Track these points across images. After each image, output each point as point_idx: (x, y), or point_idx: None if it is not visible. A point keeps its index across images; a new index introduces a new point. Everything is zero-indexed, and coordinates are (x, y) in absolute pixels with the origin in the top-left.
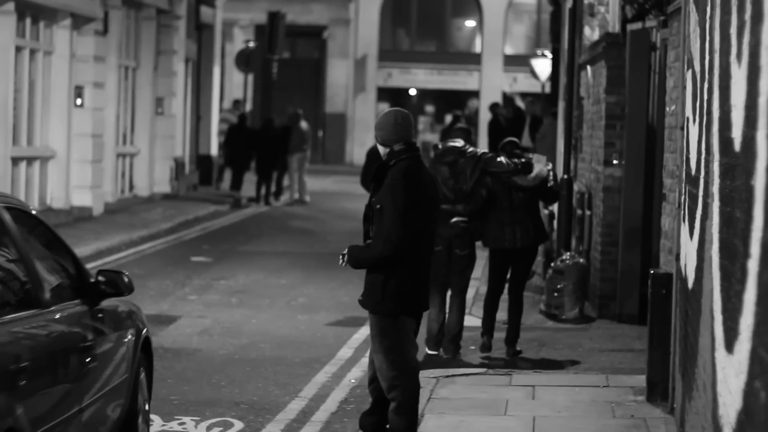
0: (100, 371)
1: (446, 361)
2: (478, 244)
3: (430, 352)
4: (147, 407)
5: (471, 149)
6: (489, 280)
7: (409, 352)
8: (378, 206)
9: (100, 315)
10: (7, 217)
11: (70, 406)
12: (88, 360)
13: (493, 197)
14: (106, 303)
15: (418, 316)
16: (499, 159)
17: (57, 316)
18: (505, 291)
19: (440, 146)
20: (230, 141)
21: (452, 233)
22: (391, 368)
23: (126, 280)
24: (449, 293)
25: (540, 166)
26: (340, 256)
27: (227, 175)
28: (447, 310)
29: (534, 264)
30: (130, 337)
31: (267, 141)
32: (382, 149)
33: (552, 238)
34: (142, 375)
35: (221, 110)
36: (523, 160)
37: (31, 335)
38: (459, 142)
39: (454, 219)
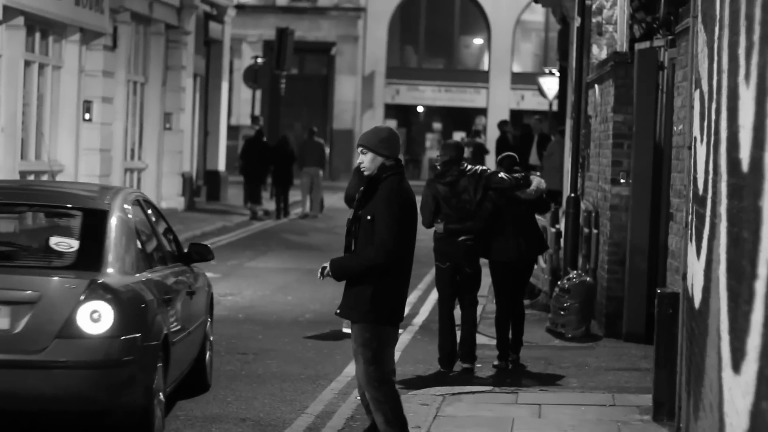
0: (196, 308)
1: (455, 378)
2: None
3: (441, 368)
4: (210, 344)
5: (470, 168)
6: (496, 296)
7: (388, 364)
8: (369, 217)
9: (193, 273)
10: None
11: (185, 328)
12: (191, 299)
13: (497, 211)
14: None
15: (398, 327)
16: (500, 175)
17: (176, 270)
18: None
19: (438, 166)
20: (246, 154)
21: (461, 252)
22: (371, 378)
23: (210, 250)
24: (458, 309)
25: (537, 179)
26: (320, 270)
27: (233, 190)
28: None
29: (541, 282)
30: (207, 290)
31: (284, 156)
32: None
33: (559, 256)
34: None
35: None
36: (522, 174)
37: (170, 280)
38: (458, 165)
39: (462, 238)
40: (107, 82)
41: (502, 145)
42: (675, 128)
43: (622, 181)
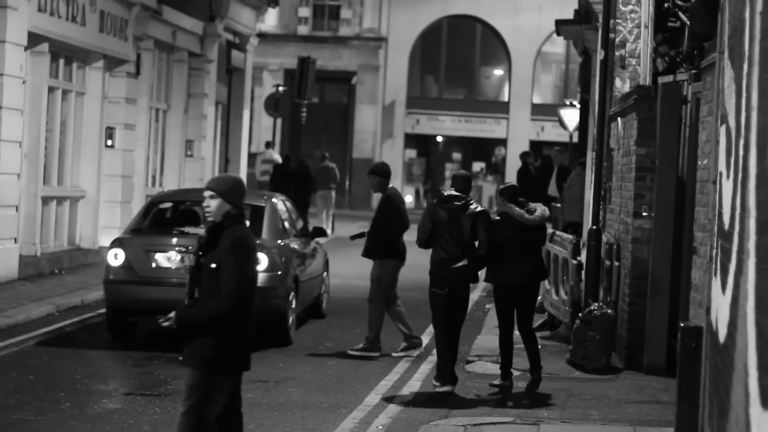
0: (316, 266)
1: (477, 409)
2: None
3: (443, 389)
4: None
5: (471, 207)
6: (499, 319)
7: (212, 410)
8: (213, 265)
9: (314, 244)
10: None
11: (308, 275)
12: (313, 260)
13: (504, 238)
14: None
15: (240, 375)
16: (514, 212)
17: (303, 241)
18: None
19: (444, 192)
20: (275, 180)
21: (459, 277)
22: (185, 423)
23: (324, 231)
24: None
25: (541, 207)
26: (163, 319)
27: None
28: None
29: (561, 314)
30: (324, 256)
31: (303, 180)
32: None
33: (580, 288)
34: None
35: (258, 152)
36: (525, 201)
37: (299, 246)
38: (461, 195)
39: (459, 264)
40: (130, 108)
41: (523, 176)
42: (699, 162)
43: (644, 214)
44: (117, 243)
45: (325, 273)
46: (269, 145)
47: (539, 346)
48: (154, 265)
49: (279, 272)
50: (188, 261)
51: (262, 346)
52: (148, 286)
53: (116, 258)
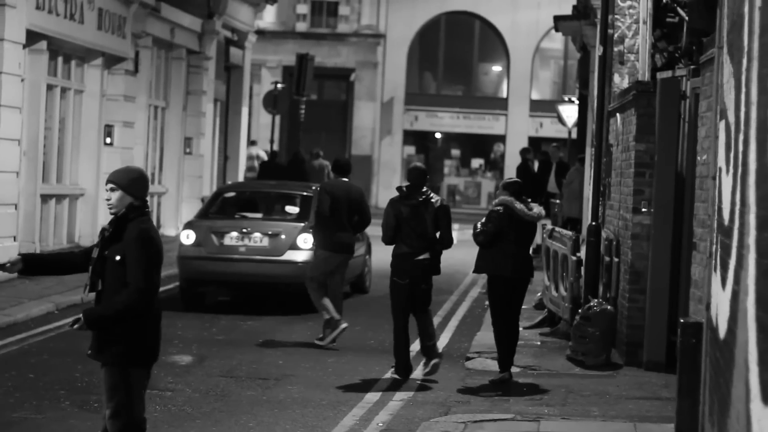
0: (361, 247)
1: (478, 405)
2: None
3: (397, 377)
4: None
5: (432, 201)
6: (492, 310)
7: (137, 408)
8: (117, 258)
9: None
10: None
11: (355, 255)
12: (359, 241)
13: (500, 229)
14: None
15: (149, 369)
16: (515, 206)
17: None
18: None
19: (404, 189)
20: (262, 176)
21: (419, 270)
22: (116, 425)
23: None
24: (411, 318)
25: (538, 207)
26: (72, 322)
27: None
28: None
29: (561, 310)
30: (367, 240)
31: (297, 173)
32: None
33: (579, 284)
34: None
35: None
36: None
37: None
38: (422, 189)
39: (420, 257)
40: (128, 106)
41: (523, 172)
42: (699, 158)
43: (643, 210)
44: (189, 225)
45: (367, 255)
46: (253, 143)
47: (518, 344)
48: (218, 243)
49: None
50: (248, 241)
51: (308, 316)
52: (214, 261)
53: (188, 238)
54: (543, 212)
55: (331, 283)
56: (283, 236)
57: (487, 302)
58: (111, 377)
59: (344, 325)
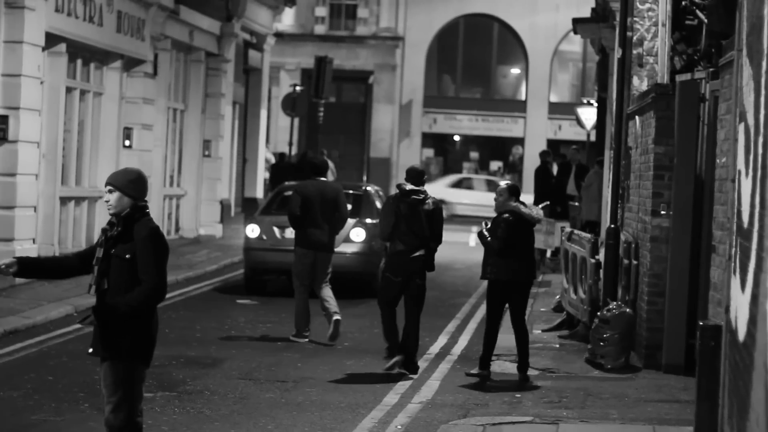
0: None
1: (495, 408)
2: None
3: (395, 360)
4: None
5: (428, 201)
6: (488, 311)
7: (138, 404)
8: (128, 256)
9: None
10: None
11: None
12: None
13: (511, 235)
14: None
15: (147, 366)
16: (522, 210)
17: None
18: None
19: (405, 187)
20: (274, 179)
21: (416, 267)
22: (118, 418)
23: None
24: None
25: (537, 209)
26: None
27: None
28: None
29: (580, 313)
30: None
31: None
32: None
33: (598, 287)
34: None
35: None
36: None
37: None
38: (421, 189)
39: (416, 254)
40: (147, 109)
41: (542, 174)
42: (718, 161)
43: (662, 212)
44: (253, 220)
45: None
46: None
47: (529, 343)
48: (280, 236)
49: (372, 243)
50: None
51: (361, 299)
52: (276, 252)
53: (253, 231)
54: (541, 214)
55: (315, 286)
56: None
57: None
58: (115, 372)
59: (336, 317)
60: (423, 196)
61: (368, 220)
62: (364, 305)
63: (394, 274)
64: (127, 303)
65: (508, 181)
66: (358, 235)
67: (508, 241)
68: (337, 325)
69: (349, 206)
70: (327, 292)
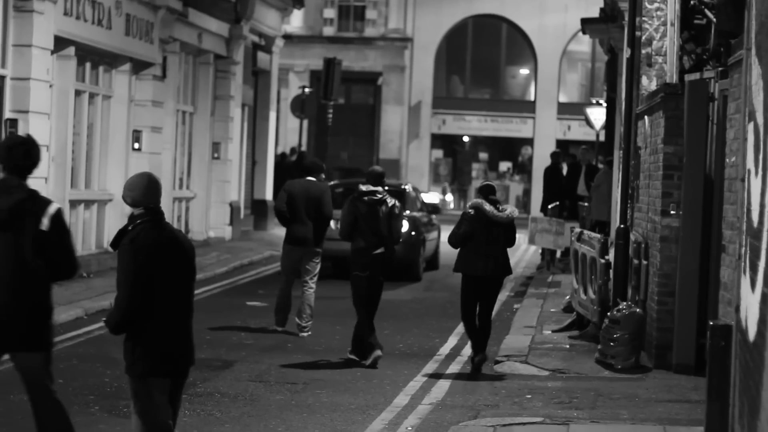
0: (433, 232)
1: (506, 409)
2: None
3: (351, 356)
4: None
5: (387, 201)
6: (461, 305)
7: (159, 416)
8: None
9: (432, 217)
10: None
11: (427, 238)
12: (432, 227)
13: (472, 230)
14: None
15: (175, 377)
16: (485, 207)
17: (425, 214)
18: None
19: (362, 188)
20: (276, 178)
21: (378, 263)
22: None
23: (438, 208)
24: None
25: (511, 207)
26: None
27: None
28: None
29: (590, 313)
30: (438, 225)
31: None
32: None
33: (608, 287)
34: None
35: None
36: (499, 204)
37: (424, 218)
38: (378, 190)
39: (377, 251)
40: (156, 111)
41: (551, 174)
42: (727, 160)
43: (672, 212)
44: None
45: (438, 238)
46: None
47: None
48: (333, 227)
49: (413, 233)
50: None
51: (398, 283)
52: (330, 241)
53: None
54: (515, 213)
55: (302, 283)
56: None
57: (515, 305)
58: (130, 386)
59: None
60: (381, 196)
61: (411, 213)
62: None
63: (361, 269)
64: (110, 320)
65: (489, 182)
66: (403, 226)
67: (472, 237)
68: (300, 330)
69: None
70: (309, 297)
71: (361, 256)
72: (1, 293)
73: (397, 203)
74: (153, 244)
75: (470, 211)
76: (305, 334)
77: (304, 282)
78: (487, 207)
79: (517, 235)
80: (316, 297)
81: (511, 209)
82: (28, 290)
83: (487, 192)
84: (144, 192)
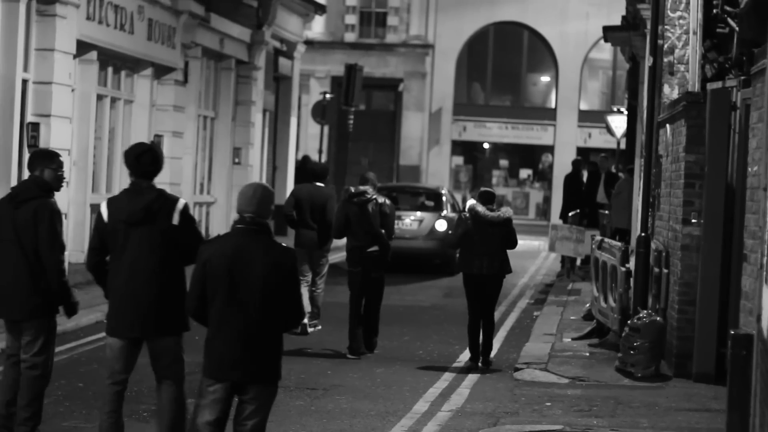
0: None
1: (525, 416)
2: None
3: (351, 357)
4: None
5: (375, 200)
6: (468, 305)
7: (202, 415)
8: None
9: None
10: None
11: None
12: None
13: (466, 230)
14: None
15: (234, 382)
16: (478, 209)
17: (454, 216)
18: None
19: (352, 190)
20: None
21: (369, 260)
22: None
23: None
24: (365, 305)
25: (506, 208)
26: None
27: None
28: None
29: (610, 321)
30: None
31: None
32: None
33: (629, 295)
34: None
35: None
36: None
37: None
38: (368, 190)
39: (371, 249)
40: (178, 116)
41: (572, 182)
42: (749, 169)
43: (693, 221)
44: None
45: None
46: None
47: (493, 339)
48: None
49: (450, 232)
50: (401, 225)
51: (422, 284)
52: (400, 240)
53: None
54: (509, 212)
55: (311, 284)
56: (425, 221)
57: (535, 313)
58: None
59: (305, 321)
60: (369, 196)
61: (448, 213)
62: (389, 310)
63: (353, 266)
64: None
65: (489, 189)
66: (441, 225)
67: (468, 237)
68: (303, 327)
69: (432, 203)
70: (317, 298)
71: (354, 255)
72: (141, 283)
73: (387, 201)
74: (214, 252)
75: (465, 213)
76: (312, 330)
77: (312, 283)
78: (480, 208)
79: (536, 242)
80: (339, 303)
81: (504, 209)
82: (164, 279)
83: (485, 199)
84: (242, 200)
